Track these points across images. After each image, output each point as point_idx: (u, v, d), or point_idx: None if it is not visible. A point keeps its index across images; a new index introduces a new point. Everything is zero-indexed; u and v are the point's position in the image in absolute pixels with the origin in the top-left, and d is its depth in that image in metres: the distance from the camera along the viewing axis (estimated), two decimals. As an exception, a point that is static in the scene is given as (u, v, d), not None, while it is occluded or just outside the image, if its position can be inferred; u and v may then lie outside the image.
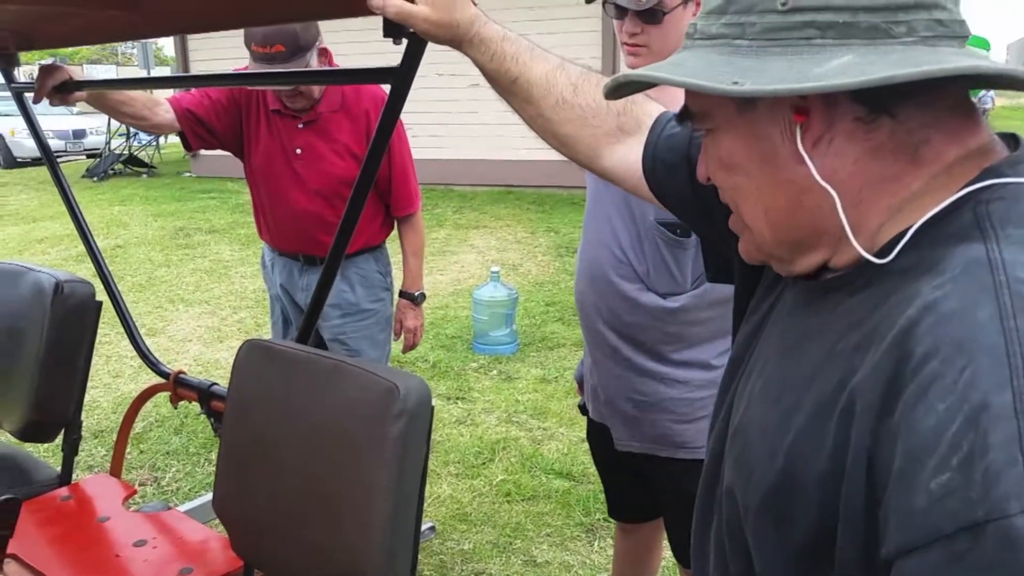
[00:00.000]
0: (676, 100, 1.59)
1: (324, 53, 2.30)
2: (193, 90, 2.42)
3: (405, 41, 1.20)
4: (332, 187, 2.38)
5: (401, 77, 1.29)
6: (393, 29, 1.13)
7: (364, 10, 1.07)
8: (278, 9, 1.46)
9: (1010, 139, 0.70)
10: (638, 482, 1.87)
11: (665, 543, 2.05)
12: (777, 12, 0.62)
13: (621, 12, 1.57)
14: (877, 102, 0.63)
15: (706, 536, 0.83)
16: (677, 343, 1.67)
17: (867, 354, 0.60)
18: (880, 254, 0.65)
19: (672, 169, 0.98)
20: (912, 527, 0.52)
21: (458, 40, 1.04)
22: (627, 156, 1.02)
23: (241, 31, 2.00)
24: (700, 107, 0.72)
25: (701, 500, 0.85)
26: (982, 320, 0.54)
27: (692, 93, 0.72)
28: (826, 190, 0.65)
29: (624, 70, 1.72)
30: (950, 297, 0.57)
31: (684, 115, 0.76)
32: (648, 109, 1.04)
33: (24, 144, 14.52)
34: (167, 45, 21.90)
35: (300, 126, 2.39)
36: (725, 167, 0.72)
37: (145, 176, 13.13)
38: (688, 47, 0.70)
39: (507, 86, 1.05)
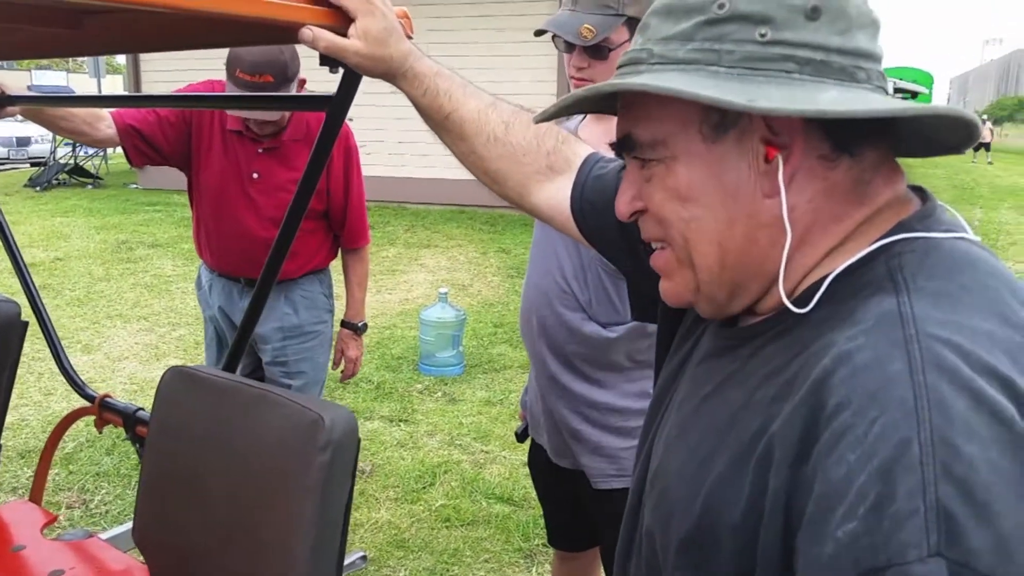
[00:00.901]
0: (609, 133, 1.61)
1: (302, 84, 2.29)
2: None
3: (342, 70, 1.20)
4: (284, 213, 2.36)
5: (337, 106, 1.29)
6: (329, 59, 1.12)
7: (295, 39, 1.07)
8: (215, 34, 1.44)
9: (918, 191, 0.72)
10: (577, 510, 1.87)
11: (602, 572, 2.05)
12: (756, 43, 0.64)
13: (569, 47, 1.61)
14: (842, 140, 0.66)
15: (626, 574, 0.83)
16: (618, 372, 1.69)
17: (784, 404, 0.62)
18: (798, 302, 0.67)
19: (599, 209, 0.99)
20: (819, 573, 0.54)
21: (391, 74, 1.04)
22: (556, 195, 1.03)
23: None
24: (655, 135, 0.70)
25: (622, 539, 0.85)
26: (893, 373, 0.56)
27: (647, 120, 0.70)
28: (782, 228, 0.66)
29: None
30: (863, 349, 0.58)
31: (624, 145, 0.73)
32: (577, 150, 1.06)
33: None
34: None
35: (260, 150, 2.36)
36: (680, 198, 0.69)
37: (90, 187, 12.85)
38: (645, 71, 0.68)
39: (439, 122, 1.06)
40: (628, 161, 0.75)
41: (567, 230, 1.04)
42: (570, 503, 1.88)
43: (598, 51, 1.58)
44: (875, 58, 0.66)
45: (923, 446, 0.52)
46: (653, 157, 0.71)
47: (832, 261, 0.67)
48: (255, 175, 2.36)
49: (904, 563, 0.50)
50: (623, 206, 0.76)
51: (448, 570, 2.82)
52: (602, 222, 0.99)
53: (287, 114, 2.32)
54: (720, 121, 0.66)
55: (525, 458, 3.53)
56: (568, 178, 1.03)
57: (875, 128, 0.66)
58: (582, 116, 1.79)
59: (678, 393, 0.80)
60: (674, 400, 0.80)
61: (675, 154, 0.69)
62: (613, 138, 1.67)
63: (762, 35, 0.64)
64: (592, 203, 1.00)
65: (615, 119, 1.64)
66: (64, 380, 2.05)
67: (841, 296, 0.65)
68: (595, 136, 1.65)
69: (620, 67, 0.72)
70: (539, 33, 1.66)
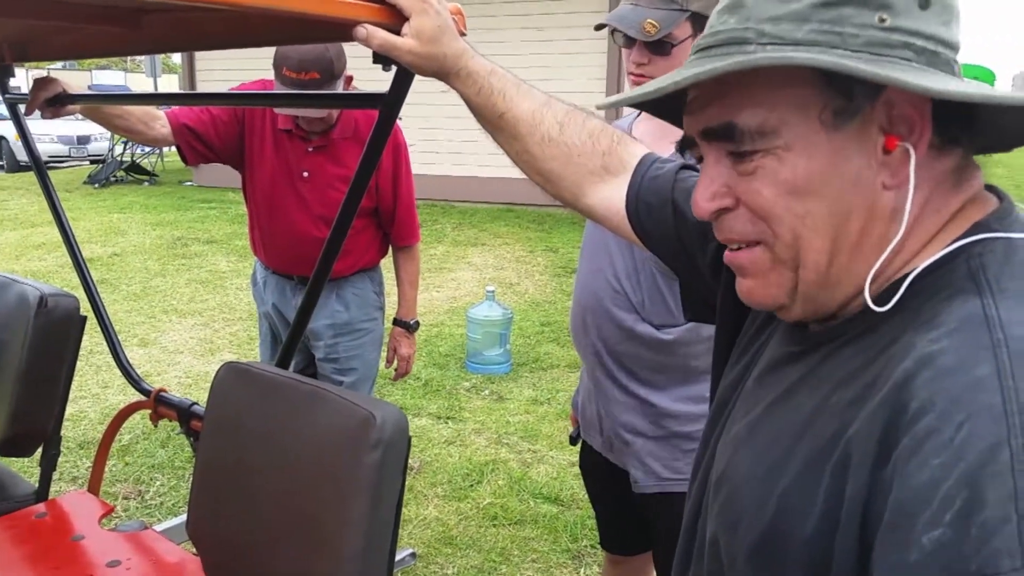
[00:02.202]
0: (665, 130, 1.58)
1: (349, 80, 2.31)
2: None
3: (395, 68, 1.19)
4: (335, 212, 2.37)
5: (389, 104, 1.29)
6: (382, 57, 1.12)
7: (348, 37, 1.07)
8: (270, 32, 1.45)
9: (992, 190, 0.70)
10: (630, 513, 1.84)
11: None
12: (877, 28, 0.62)
13: (629, 41, 1.58)
14: (951, 130, 0.64)
15: None
16: (673, 375, 1.66)
17: (862, 407, 0.60)
18: (877, 302, 0.65)
19: (655, 210, 0.97)
20: None
21: (444, 73, 1.03)
22: (610, 196, 1.02)
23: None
24: (766, 123, 0.65)
25: (681, 546, 0.83)
26: (981, 378, 0.54)
27: (753, 106, 0.65)
28: (896, 221, 0.64)
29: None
30: (947, 352, 0.57)
31: (720, 134, 0.68)
32: (633, 150, 1.04)
33: (28, 149, 14.56)
34: (176, 53, 22.06)
35: (310, 149, 2.38)
36: (796, 192, 0.65)
37: (147, 184, 13.15)
38: (757, 51, 0.64)
39: (493, 121, 1.05)
40: (712, 154, 0.70)
41: (621, 231, 1.03)
42: (623, 506, 1.85)
43: (660, 47, 1.55)
44: (959, 51, 0.66)
45: (1015, 452, 0.50)
46: (760, 148, 0.65)
47: (913, 260, 0.66)
48: (305, 173, 2.39)
49: (998, 573, 0.48)
50: (705, 203, 0.70)
51: (496, 569, 2.81)
52: (658, 223, 0.98)
53: (335, 112, 2.34)
54: (844, 108, 0.63)
55: (572, 458, 3.53)
56: (623, 179, 1.02)
57: (967, 121, 0.64)
58: (636, 113, 1.76)
59: (742, 399, 0.78)
60: (738, 406, 0.78)
61: (790, 143, 0.64)
62: (668, 136, 1.63)
63: (881, 20, 0.62)
64: (648, 204, 0.98)
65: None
66: (120, 373, 2.09)
67: (921, 297, 0.63)
68: (650, 133, 1.62)
69: (704, 49, 0.68)
70: (599, 27, 1.63)
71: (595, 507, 2.03)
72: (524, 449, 3.76)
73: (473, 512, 3.20)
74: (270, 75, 2.31)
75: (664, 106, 0.78)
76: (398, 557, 2.65)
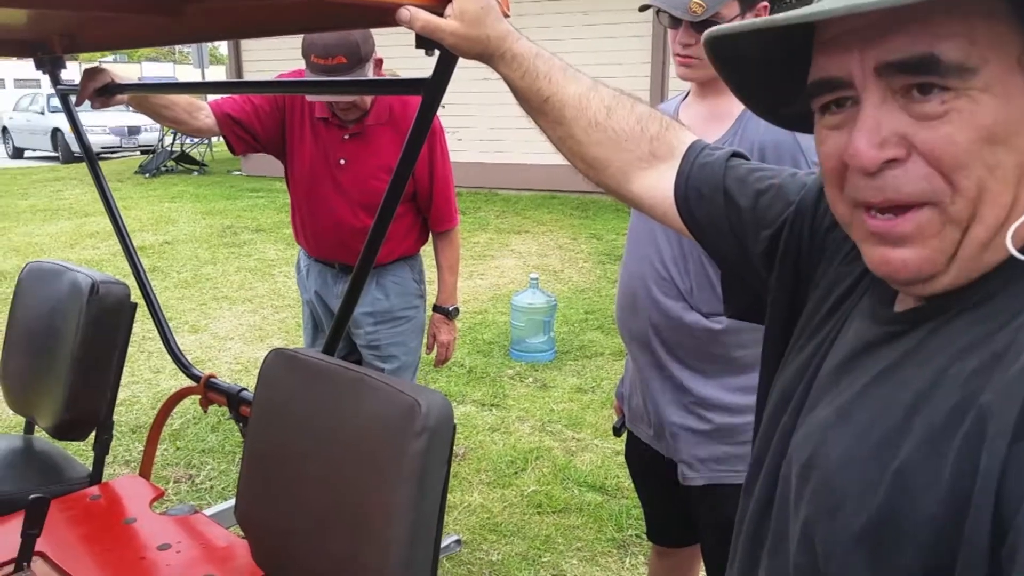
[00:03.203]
0: (715, 113, 1.53)
1: (379, 64, 2.30)
2: (236, 95, 2.43)
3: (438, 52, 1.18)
4: (373, 199, 2.37)
5: (432, 89, 1.27)
6: (425, 41, 1.11)
7: (392, 22, 1.06)
8: (311, 19, 1.45)
9: None
10: (677, 505, 1.82)
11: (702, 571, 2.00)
12: None
13: (675, 22, 1.55)
14: None
15: None
16: (721, 365, 1.62)
17: (992, 375, 0.56)
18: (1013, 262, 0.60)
19: (705, 198, 0.94)
20: None
21: (488, 55, 1.01)
22: (657, 183, 0.99)
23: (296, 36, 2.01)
24: (967, 58, 0.57)
25: (746, 543, 0.80)
26: None
27: (951, 38, 0.57)
28: None
29: (674, 81, 1.68)
30: None
31: (915, 67, 0.59)
32: (681, 136, 1.01)
33: (82, 140, 14.97)
34: (222, 44, 22.40)
35: (346, 136, 2.39)
36: (990, 139, 0.58)
37: (196, 174, 13.38)
38: None
39: (538, 105, 1.02)
40: (876, 94, 0.61)
41: (667, 220, 1.00)
42: (670, 498, 1.82)
43: (707, 27, 1.52)
44: None
45: None
46: (957, 87, 0.58)
47: None
48: (342, 161, 2.40)
49: None
50: (873, 151, 0.61)
51: (540, 556, 2.81)
52: (708, 211, 0.94)
53: (368, 99, 2.34)
54: None
55: (617, 447, 3.50)
56: (671, 166, 0.99)
57: None
58: (683, 96, 1.73)
59: (819, 385, 0.74)
60: (815, 392, 0.74)
61: (989, 84, 0.57)
62: (715, 120, 1.58)
63: None
64: (698, 191, 0.95)
65: (717, 99, 1.57)
66: (171, 359, 2.12)
67: None
68: (698, 117, 1.59)
69: None
70: (643, 8, 1.60)
71: (641, 498, 2.01)
72: (568, 437, 3.75)
73: (517, 499, 3.20)
74: None
75: (753, 59, 0.71)
76: (443, 543, 2.66)
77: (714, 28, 0.69)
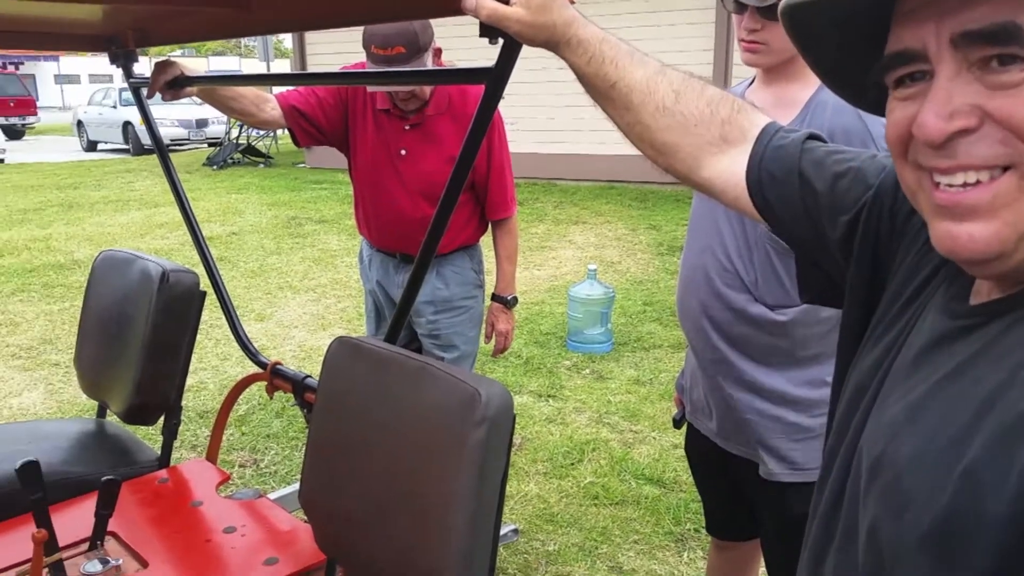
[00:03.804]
0: (781, 99, 1.49)
1: (438, 53, 2.32)
2: (301, 87, 2.47)
3: (501, 41, 1.18)
4: (434, 189, 2.39)
5: (495, 78, 1.27)
6: (489, 29, 1.10)
7: (459, 10, 1.05)
8: (375, 9, 1.46)
9: None
10: (739, 499, 1.79)
11: (762, 566, 1.96)
12: None
13: (740, 7, 1.52)
14: None
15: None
16: (789, 358, 1.59)
17: None
18: None
19: (779, 182, 0.92)
20: None
21: (554, 42, 1.00)
22: (729, 167, 0.96)
23: (359, 28, 2.03)
24: None
25: (816, 539, 0.78)
26: None
27: None
28: None
29: (737, 68, 1.64)
30: None
31: (996, 37, 0.58)
32: (754, 119, 0.98)
33: (152, 132, 15.45)
34: (287, 38, 22.84)
35: (407, 127, 2.40)
36: None
37: (262, 166, 13.67)
38: None
39: (604, 91, 1.01)
40: (951, 66, 0.60)
41: (739, 205, 0.97)
42: (731, 492, 1.80)
43: (773, 12, 1.47)
44: None
45: None
46: None
47: None
48: (403, 151, 2.41)
49: None
50: (942, 122, 0.60)
51: (597, 548, 2.80)
52: (782, 195, 0.92)
53: (428, 89, 2.35)
54: None
55: (676, 440, 3.47)
56: (743, 150, 0.96)
57: None
58: (748, 83, 1.69)
59: (893, 379, 0.72)
60: (888, 387, 0.72)
61: None
62: (783, 105, 1.54)
63: None
64: (772, 175, 0.92)
65: (784, 85, 1.53)
66: (238, 346, 2.17)
67: None
68: (765, 104, 1.55)
69: None
70: None
71: (700, 491, 1.98)
72: (625, 429, 3.72)
73: (574, 490, 3.19)
74: None
75: (829, 31, 0.69)
76: (501, 532, 2.67)
77: (783, 4, 0.68)
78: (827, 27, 0.70)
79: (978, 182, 0.60)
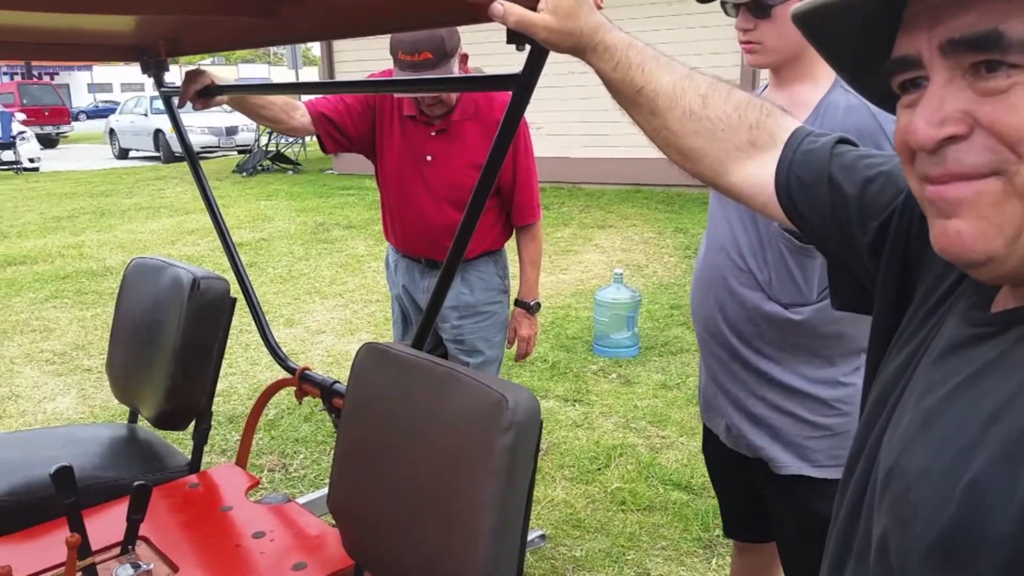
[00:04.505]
0: (793, 103, 1.48)
1: (464, 59, 2.33)
2: (329, 95, 2.49)
3: (528, 47, 1.18)
4: (459, 195, 2.40)
5: (523, 85, 1.27)
6: (516, 36, 1.10)
7: (486, 18, 1.06)
8: (403, 17, 1.47)
9: None
10: (755, 500, 1.78)
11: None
12: None
13: (734, 9, 1.53)
14: None
15: None
16: (804, 356, 1.58)
17: None
18: None
19: (808, 187, 0.91)
20: None
21: (581, 48, 1.00)
22: (758, 172, 0.95)
23: (385, 35, 2.04)
24: None
25: (835, 545, 0.77)
26: None
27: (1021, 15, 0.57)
28: None
29: (765, 72, 1.63)
30: None
31: (979, 44, 0.59)
32: (783, 123, 0.97)
33: (183, 140, 15.70)
34: (315, 46, 23.07)
35: (433, 133, 2.42)
36: None
37: (290, 173, 13.80)
38: None
39: (631, 96, 1.00)
40: (944, 73, 0.61)
41: (767, 211, 0.96)
42: (747, 492, 1.79)
43: (760, 9, 1.49)
44: None
45: None
46: (1023, 63, 0.57)
47: None
48: (429, 157, 2.42)
49: None
50: (932, 129, 0.61)
51: (624, 554, 2.78)
52: (812, 200, 0.91)
53: (454, 95, 2.35)
54: None
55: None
56: (772, 155, 0.95)
57: None
58: (762, 88, 1.68)
59: (913, 386, 0.71)
60: (907, 394, 0.71)
61: None
62: (795, 107, 1.52)
63: None
64: (801, 180, 0.91)
65: (793, 87, 1.52)
66: (267, 352, 2.19)
67: None
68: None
69: None
70: (704, 0, 1.57)
71: (717, 491, 1.98)
72: (653, 434, 3.70)
73: (601, 496, 3.18)
74: None
75: (843, 33, 0.70)
76: (528, 538, 2.67)
77: (798, 5, 0.68)
78: (846, 33, 0.70)
79: (960, 181, 0.61)
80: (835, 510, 0.80)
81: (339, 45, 12.67)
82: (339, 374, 1.85)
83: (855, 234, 0.86)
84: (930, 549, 0.59)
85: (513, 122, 1.35)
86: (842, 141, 0.93)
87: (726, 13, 1.57)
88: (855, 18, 0.68)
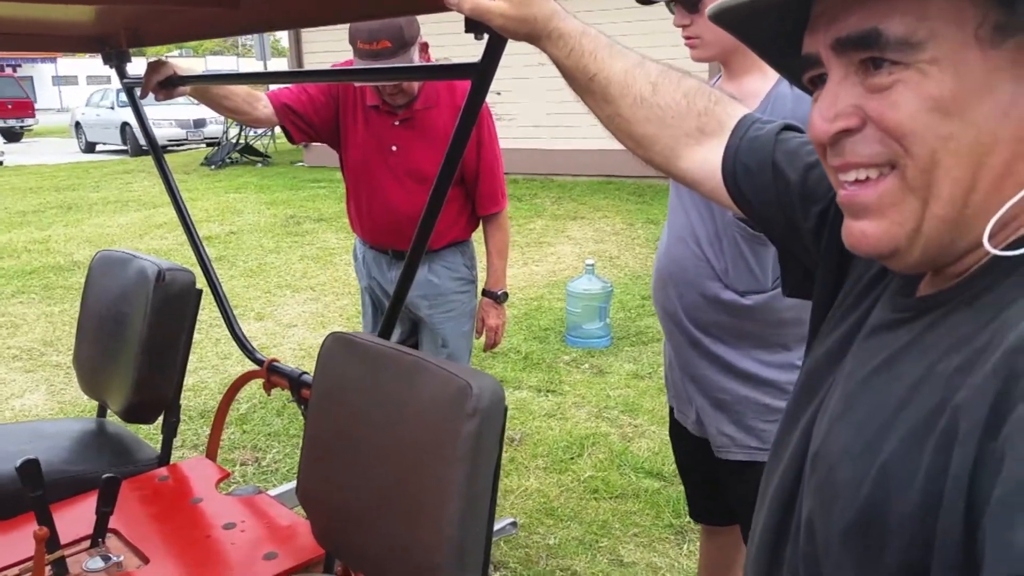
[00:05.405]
0: (743, 93, 1.51)
1: (424, 48, 2.32)
2: (292, 85, 2.48)
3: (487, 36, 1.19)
4: (425, 184, 2.39)
5: (481, 73, 1.28)
6: (474, 25, 1.11)
7: (441, 6, 1.06)
8: (362, 6, 1.47)
9: None
10: (714, 482, 1.83)
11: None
12: None
13: (671, 7, 1.57)
14: None
15: (777, 567, 0.77)
16: (759, 342, 1.63)
17: (970, 375, 0.55)
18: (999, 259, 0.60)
19: (753, 173, 0.93)
20: (1013, 560, 0.46)
21: (535, 35, 1.01)
22: (707, 158, 0.97)
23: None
24: (914, 32, 0.59)
25: (771, 527, 0.78)
26: None
27: (900, 14, 0.59)
28: None
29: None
30: None
31: (861, 42, 0.61)
32: (730, 110, 0.99)
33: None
34: (283, 37, 22.87)
35: (396, 123, 2.41)
36: (941, 110, 0.58)
37: (260, 165, 13.67)
38: None
39: (584, 84, 1.02)
40: (839, 70, 0.64)
41: (716, 196, 0.98)
42: (709, 476, 1.83)
43: (690, 4, 1.53)
44: None
45: None
46: (903, 60, 0.59)
47: None
48: (394, 147, 2.42)
49: None
50: (825, 123, 0.64)
51: (597, 541, 2.81)
52: (757, 186, 0.93)
53: (416, 84, 2.35)
54: (1004, 23, 0.57)
55: (676, 433, 3.48)
56: (720, 141, 0.97)
57: None
58: (716, 78, 1.71)
59: (841, 370, 0.73)
60: (837, 378, 0.73)
61: (938, 57, 0.58)
62: (743, 97, 1.56)
63: None
64: (746, 166, 0.93)
65: (742, 79, 1.55)
66: (237, 346, 2.18)
67: None
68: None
69: None
70: (646, 2, 1.58)
71: (682, 475, 2.02)
72: (625, 423, 3.74)
73: (574, 484, 3.20)
74: None
75: (762, 29, 0.73)
76: (499, 525, 2.69)
77: (712, 6, 0.72)
78: (764, 30, 0.73)
79: (868, 179, 0.64)
80: (761, 491, 0.82)
81: (307, 35, 12.55)
82: (310, 367, 1.84)
83: (798, 220, 0.88)
84: (847, 529, 0.62)
85: (473, 110, 1.36)
86: (788, 128, 0.95)
87: (670, 11, 1.59)
88: (768, 17, 0.70)
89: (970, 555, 0.52)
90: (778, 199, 0.90)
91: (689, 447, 1.84)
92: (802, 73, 0.70)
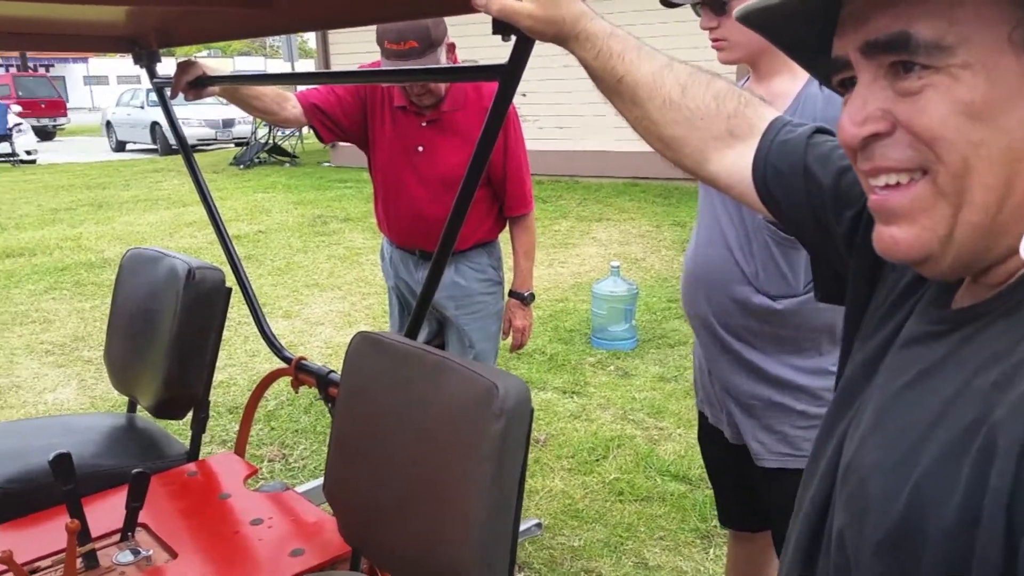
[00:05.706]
0: (772, 96, 1.49)
1: (451, 49, 2.33)
2: (321, 86, 2.49)
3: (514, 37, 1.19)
4: (451, 185, 2.40)
5: (509, 74, 1.28)
6: (501, 26, 1.11)
7: (469, 8, 1.07)
8: (392, 8, 1.47)
9: None
10: (747, 487, 1.80)
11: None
12: None
13: (697, 10, 1.56)
14: None
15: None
16: (792, 347, 1.60)
17: (1008, 391, 0.54)
18: None
19: (785, 177, 0.91)
20: None
21: (563, 37, 1.01)
22: (736, 161, 0.96)
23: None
24: (944, 36, 0.57)
25: (805, 536, 0.78)
26: None
27: (931, 17, 0.58)
28: None
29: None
30: None
31: (890, 46, 0.60)
32: (761, 112, 0.97)
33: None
34: (311, 38, 23.07)
35: (423, 124, 2.42)
36: (973, 115, 0.57)
37: (288, 165, 13.78)
38: None
39: (612, 85, 1.01)
40: (868, 73, 0.63)
41: (746, 200, 0.97)
42: (741, 481, 1.81)
43: (718, 6, 1.51)
44: None
45: None
46: (934, 64, 0.58)
47: None
48: (420, 148, 2.43)
49: None
50: (855, 127, 0.63)
51: (622, 544, 2.80)
52: (788, 190, 0.91)
53: (443, 85, 2.36)
54: None
55: (702, 436, 3.46)
56: (750, 144, 0.95)
57: None
58: (744, 80, 1.69)
59: (875, 382, 0.72)
60: (870, 389, 0.72)
61: (970, 62, 0.57)
62: (772, 99, 1.54)
63: None
64: (777, 169, 0.92)
65: (771, 80, 1.53)
66: (265, 343, 2.20)
67: None
68: None
69: None
70: (670, 5, 1.57)
71: (712, 481, 2.00)
72: (651, 426, 3.72)
73: (599, 486, 3.19)
74: None
75: (792, 30, 0.72)
76: (524, 527, 2.69)
77: (740, 8, 0.71)
78: (794, 31, 0.72)
79: (898, 184, 0.62)
80: (798, 501, 0.81)
81: (335, 37, 12.64)
82: (337, 365, 1.85)
83: (831, 224, 0.87)
84: (880, 544, 0.61)
85: (500, 112, 1.36)
86: (819, 131, 0.93)
87: (696, 13, 1.58)
88: (797, 18, 0.69)
89: (1011, 569, 0.51)
90: (809, 203, 0.89)
91: (720, 452, 1.83)
92: (832, 75, 0.69)
